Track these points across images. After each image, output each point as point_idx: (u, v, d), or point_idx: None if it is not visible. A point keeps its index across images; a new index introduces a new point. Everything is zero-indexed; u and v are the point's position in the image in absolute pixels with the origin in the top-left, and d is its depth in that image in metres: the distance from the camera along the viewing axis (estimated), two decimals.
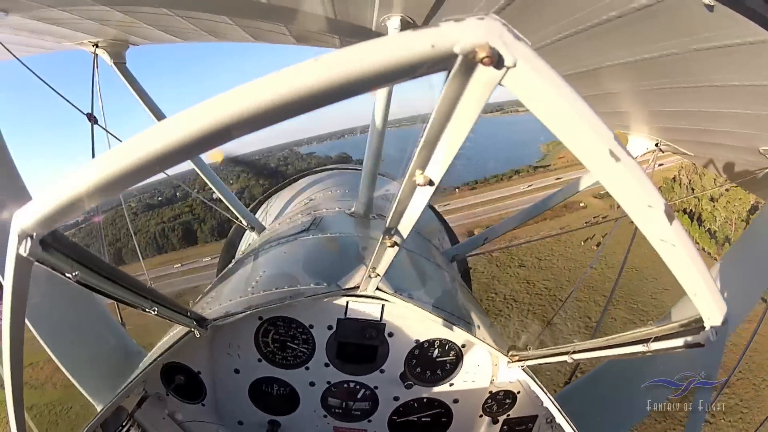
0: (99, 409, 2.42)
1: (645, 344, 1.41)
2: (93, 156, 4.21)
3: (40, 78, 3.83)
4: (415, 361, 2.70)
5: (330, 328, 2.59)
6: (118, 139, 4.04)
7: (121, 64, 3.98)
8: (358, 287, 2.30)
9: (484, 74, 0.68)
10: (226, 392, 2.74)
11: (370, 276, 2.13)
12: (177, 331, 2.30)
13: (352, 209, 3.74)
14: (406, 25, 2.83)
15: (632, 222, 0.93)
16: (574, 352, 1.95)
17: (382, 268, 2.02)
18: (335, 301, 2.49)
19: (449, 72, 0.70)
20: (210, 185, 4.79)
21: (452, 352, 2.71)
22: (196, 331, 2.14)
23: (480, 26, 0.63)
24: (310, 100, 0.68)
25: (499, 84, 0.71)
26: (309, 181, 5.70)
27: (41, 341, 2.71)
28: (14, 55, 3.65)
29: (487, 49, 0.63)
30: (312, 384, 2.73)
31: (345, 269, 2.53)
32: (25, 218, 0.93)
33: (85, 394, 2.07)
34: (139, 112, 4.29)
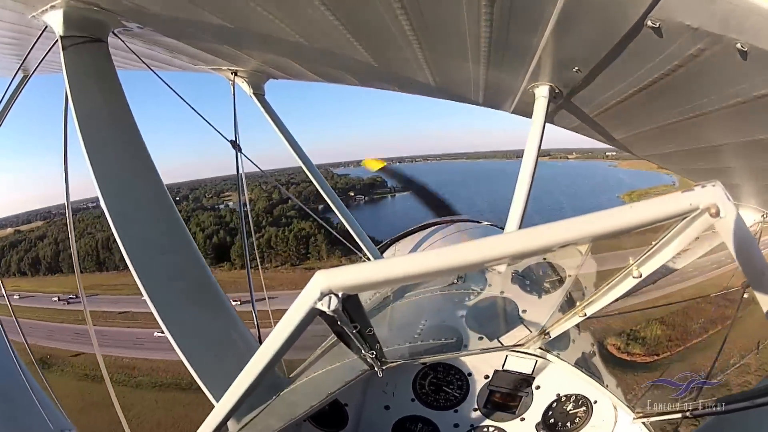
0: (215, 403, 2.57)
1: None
2: (238, 182, 4.49)
3: (181, 98, 3.94)
4: (551, 412, 2.92)
5: (486, 377, 2.82)
6: (259, 168, 4.35)
7: (259, 95, 4.21)
8: (523, 344, 2.58)
9: (705, 221, 1.06)
10: (369, 426, 2.96)
11: (539, 334, 2.45)
12: (348, 367, 2.49)
13: None
14: (553, 93, 3.02)
15: None
16: (695, 410, 2.15)
17: (557, 331, 2.41)
18: (495, 353, 2.73)
19: (683, 219, 1.08)
20: (345, 223, 4.93)
21: (584, 407, 2.91)
22: (379, 371, 2.34)
23: (717, 191, 1.01)
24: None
25: (711, 228, 1.09)
26: (440, 230, 5.90)
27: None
28: (155, 73, 3.81)
29: (716, 206, 1.01)
30: (456, 425, 2.94)
31: (503, 325, 2.79)
32: (334, 280, 1.11)
33: (204, 387, 2.23)
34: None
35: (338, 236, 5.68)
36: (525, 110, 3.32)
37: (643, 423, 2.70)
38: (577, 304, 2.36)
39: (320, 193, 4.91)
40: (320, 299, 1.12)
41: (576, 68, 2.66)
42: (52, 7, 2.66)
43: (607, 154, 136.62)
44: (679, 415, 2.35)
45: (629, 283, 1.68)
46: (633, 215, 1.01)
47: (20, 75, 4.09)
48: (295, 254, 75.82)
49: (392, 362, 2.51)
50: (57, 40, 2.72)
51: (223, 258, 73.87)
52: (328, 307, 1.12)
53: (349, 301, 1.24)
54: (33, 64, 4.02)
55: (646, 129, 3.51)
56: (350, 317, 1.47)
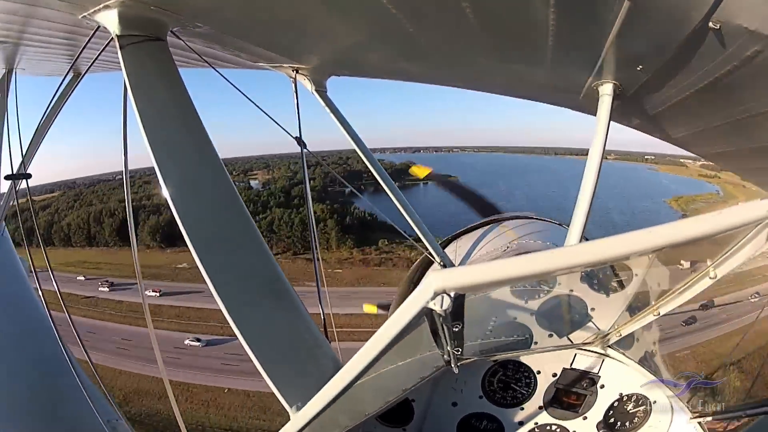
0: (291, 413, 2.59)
1: None
2: (305, 179, 4.54)
3: (246, 96, 4.03)
4: (612, 411, 2.92)
5: (554, 375, 2.86)
6: (322, 163, 4.31)
7: (321, 92, 4.17)
8: (591, 343, 2.63)
9: None
10: (434, 422, 2.99)
11: (608, 333, 2.53)
12: (420, 362, 2.46)
13: None
14: (617, 91, 2.96)
15: None
16: (749, 408, 2.25)
17: (627, 330, 2.50)
18: (564, 351, 2.77)
19: (759, 224, 1.13)
20: (406, 217, 4.82)
21: (644, 407, 2.90)
22: (455, 367, 2.32)
23: None
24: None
25: None
26: (502, 226, 5.83)
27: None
28: (218, 71, 3.88)
29: None
30: (521, 423, 2.97)
31: (572, 324, 2.82)
32: (448, 281, 1.13)
33: (277, 393, 2.19)
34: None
35: (404, 233, 5.55)
36: (588, 108, 3.24)
37: (699, 423, 2.73)
38: (652, 303, 2.42)
39: (384, 189, 4.72)
40: (433, 299, 1.14)
41: (640, 67, 2.68)
42: (106, 6, 2.66)
43: (645, 157, 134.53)
44: (734, 415, 2.44)
45: (704, 284, 1.78)
46: (714, 223, 1.05)
47: (71, 74, 4.20)
48: (299, 241, 68.25)
49: (467, 359, 2.51)
50: (111, 39, 2.73)
51: None
52: (441, 307, 1.14)
53: (457, 301, 1.25)
54: (84, 63, 4.11)
55: (704, 128, 3.47)
56: (454, 316, 1.52)
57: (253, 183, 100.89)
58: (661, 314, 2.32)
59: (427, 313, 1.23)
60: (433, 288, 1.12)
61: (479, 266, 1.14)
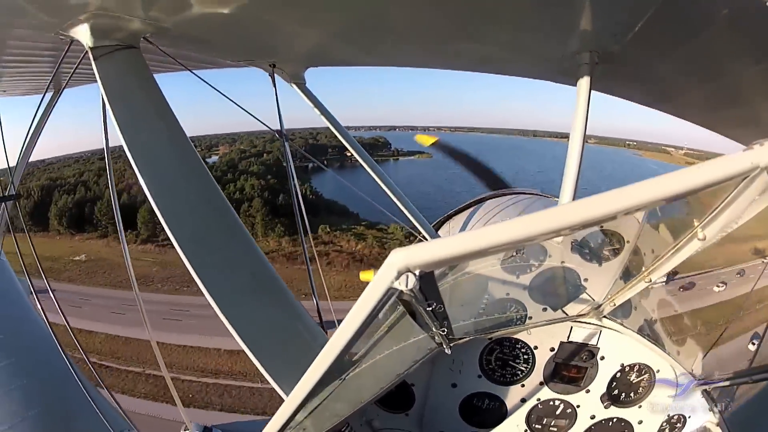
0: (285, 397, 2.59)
1: None
2: (288, 169, 4.53)
3: (224, 95, 4.00)
4: (615, 383, 2.90)
5: (552, 349, 2.83)
6: (308, 157, 4.27)
7: (300, 84, 4.20)
8: (587, 314, 2.58)
9: (765, 180, 1.05)
10: (436, 405, 2.99)
11: (603, 303, 2.48)
12: (413, 346, 2.46)
13: None
14: (596, 59, 2.95)
15: None
16: (756, 373, 2.20)
17: (621, 299, 2.41)
18: (559, 325, 2.73)
19: (745, 178, 1.06)
20: (392, 197, 4.78)
21: (647, 376, 2.89)
22: (447, 348, 2.32)
23: None
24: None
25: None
26: (495, 205, 5.79)
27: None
28: (193, 73, 3.88)
29: None
30: (523, 400, 2.95)
31: (567, 295, 2.79)
32: (411, 258, 1.09)
33: (272, 383, 2.20)
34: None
35: (391, 215, 5.38)
36: (567, 79, 3.22)
37: (705, 390, 2.71)
38: (642, 269, 2.37)
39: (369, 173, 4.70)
40: (397, 278, 1.10)
41: (617, 33, 2.65)
42: (78, 21, 2.66)
43: (627, 142, 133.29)
44: (740, 381, 2.39)
45: (694, 246, 1.70)
46: (696, 176, 1.01)
47: (51, 91, 4.19)
48: None
49: (460, 339, 2.51)
50: (86, 52, 2.72)
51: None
52: (406, 286, 1.10)
53: (425, 279, 1.21)
54: (62, 78, 4.10)
55: (684, 86, 3.44)
56: (425, 295, 1.48)
57: (214, 158, 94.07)
58: (652, 281, 2.27)
59: (396, 294, 1.18)
60: (396, 267, 1.08)
61: (443, 240, 1.09)
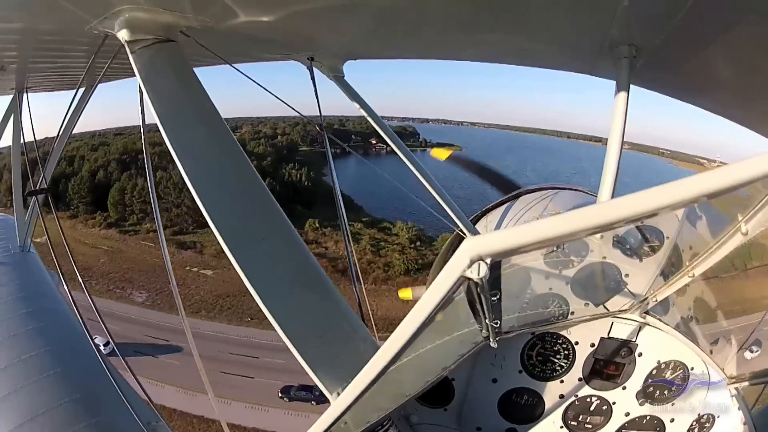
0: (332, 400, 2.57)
1: None
2: (329, 161, 4.54)
3: (264, 88, 4.00)
4: (650, 380, 2.91)
5: (592, 345, 2.84)
6: (343, 146, 4.25)
7: (339, 77, 4.15)
8: (628, 310, 2.60)
9: None
10: (475, 400, 2.99)
11: (644, 299, 2.49)
12: (457, 340, 2.47)
13: None
14: (635, 52, 2.91)
15: None
16: None
17: (663, 294, 2.45)
18: (600, 321, 2.74)
19: None
20: (433, 192, 4.63)
21: (681, 373, 2.88)
22: (493, 342, 2.30)
23: None
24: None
25: None
26: (533, 200, 5.66)
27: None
28: (232, 65, 3.85)
29: None
30: (561, 397, 2.96)
31: (608, 291, 2.78)
32: (483, 246, 1.09)
33: (317, 381, 2.17)
34: None
35: (430, 209, 5.08)
36: (606, 73, 3.18)
37: (736, 388, 2.70)
38: (685, 264, 2.39)
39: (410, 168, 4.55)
40: (469, 266, 1.11)
41: (655, 26, 2.61)
42: (112, 15, 2.66)
43: (660, 151, 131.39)
44: None
45: (736, 240, 1.76)
46: (739, 173, 0.96)
47: (84, 86, 4.24)
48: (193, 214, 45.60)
49: (506, 333, 2.50)
50: (121, 47, 2.73)
51: None
52: (478, 275, 1.10)
53: (494, 268, 1.21)
54: (95, 73, 4.14)
55: (726, 85, 3.36)
56: (491, 285, 1.49)
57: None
58: (695, 275, 2.28)
59: (464, 283, 1.19)
60: (469, 255, 1.09)
61: (513, 230, 1.10)
